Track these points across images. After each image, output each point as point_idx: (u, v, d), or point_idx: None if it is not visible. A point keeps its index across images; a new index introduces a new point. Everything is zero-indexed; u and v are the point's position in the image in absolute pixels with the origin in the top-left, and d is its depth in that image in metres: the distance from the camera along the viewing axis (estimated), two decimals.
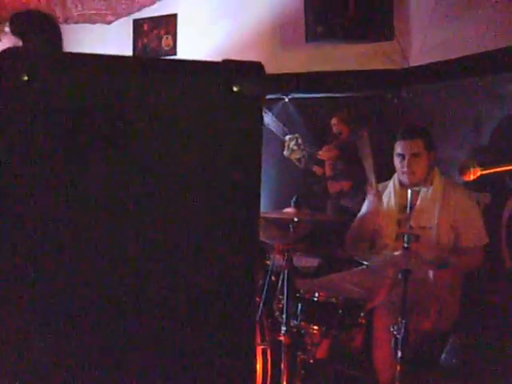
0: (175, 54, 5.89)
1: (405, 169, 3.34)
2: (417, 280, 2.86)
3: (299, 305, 3.01)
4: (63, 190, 0.91)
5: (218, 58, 0.96)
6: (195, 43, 5.70)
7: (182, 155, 0.93)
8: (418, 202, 3.30)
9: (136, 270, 0.94)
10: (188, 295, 0.97)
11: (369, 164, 3.38)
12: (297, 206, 3.03)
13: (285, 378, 2.90)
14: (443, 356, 2.88)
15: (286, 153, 4.68)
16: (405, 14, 4.59)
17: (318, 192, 4.82)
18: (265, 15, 5.23)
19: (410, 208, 2.74)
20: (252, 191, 0.95)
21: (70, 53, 0.94)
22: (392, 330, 2.65)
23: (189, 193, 0.94)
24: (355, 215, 3.70)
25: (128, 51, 6.07)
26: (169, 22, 5.93)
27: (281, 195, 4.83)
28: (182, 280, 0.96)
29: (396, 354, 2.64)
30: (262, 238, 3.11)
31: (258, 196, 0.96)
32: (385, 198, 3.50)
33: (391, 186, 3.49)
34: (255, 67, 0.94)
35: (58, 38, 2.07)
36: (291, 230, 3.01)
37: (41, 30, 2.04)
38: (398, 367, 2.63)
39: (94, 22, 6.27)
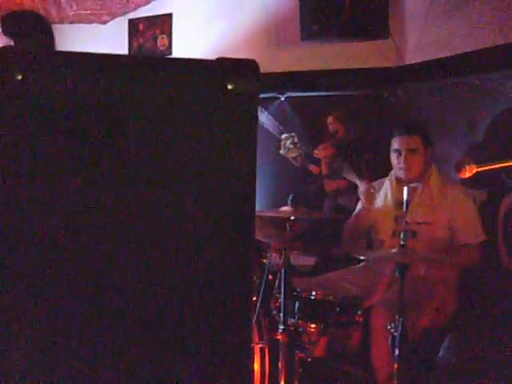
0: (171, 53, 5.88)
1: (401, 165, 3.34)
2: (414, 277, 2.86)
3: (296, 303, 3.01)
4: (57, 189, 0.91)
5: (213, 57, 0.95)
6: (191, 43, 5.69)
7: (177, 153, 0.93)
8: (415, 199, 3.30)
9: (132, 267, 0.94)
10: (184, 294, 0.97)
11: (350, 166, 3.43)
12: (293, 204, 3.03)
13: (283, 377, 2.90)
14: (440, 353, 2.89)
15: (282, 151, 4.67)
16: (400, 12, 4.59)
17: (314, 190, 4.82)
18: (260, 14, 5.22)
19: (407, 205, 2.74)
20: (247, 189, 0.95)
21: (64, 52, 0.94)
22: (389, 327, 2.65)
23: (184, 191, 0.94)
24: (352, 213, 3.70)
25: (123, 51, 6.06)
26: (164, 22, 5.93)
27: (277, 194, 4.83)
28: (178, 278, 0.96)
29: (393, 351, 2.64)
30: (259, 236, 3.11)
31: (254, 194, 0.96)
32: (381, 195, 3.50)
33: (388, 182, 3.50)
34: (250, 65, 0.94)
35: (49, 38, 2.07)
36: (288, 228, 3.01)
37: (33, 31, 2.04)
38: (396, 365, 2.64)
39: (89, 22, 6.26)
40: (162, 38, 5.96)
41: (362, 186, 3.48)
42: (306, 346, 2.98)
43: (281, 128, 4.84)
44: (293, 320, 2.99)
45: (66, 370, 0.95)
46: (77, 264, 0.93)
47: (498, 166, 2.76)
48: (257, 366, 2.99)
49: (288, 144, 4.63)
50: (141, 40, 6.08)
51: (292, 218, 3.00)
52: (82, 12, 6.02)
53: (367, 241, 3.55)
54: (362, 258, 3.11)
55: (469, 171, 2.77)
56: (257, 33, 5.21)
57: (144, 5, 5.98)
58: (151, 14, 5.99)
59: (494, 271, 3.50)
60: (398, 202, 3.31)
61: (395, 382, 2.65)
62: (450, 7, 4.14)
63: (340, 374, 3.06)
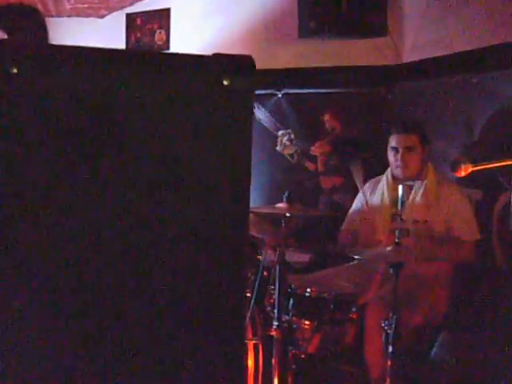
0: (168, 48, 5.87)
1: (398, 162, 3.35)
2: (408, 275, 2.87)
3: (291, 300, 3.02)
4: (54, 186, 0.90)
5: (211, 53, 0.95)
6: (189, 38, 5.68)
7: (172, 148, 0.93)
8: (411, 197, 3.31)
9: (126, 263, 0.94)
10: (177, 290, 0.97)
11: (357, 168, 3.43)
12: (289, 201, 3.03)
13: (276, 373, 2.91)
14: (433, 351, 2.89)
15: (278, 148, 4.67)
16: (398, 9, 4.59)
17: (310, 187, 4.82)
18: (258, 10, 5.22)
19: (402, 202, 2.74)
20: (242, 185, 0.95)
21: (60, 45, 0.94)
22: (383, 325, 2.66)
23: (178, 186, 0.94)
24: (347, 211, 3.71)
25: (121, 45, 6.04)
26: (162, 17, 5.91)
27: (273, 190, 4.83)
28: (171, 275, 0.96)
29: (387, 348, 2.65)
30: (254, 232, 3.11)
31: (248, 189, 0.96)
32: (378, 193, 3.51)
33: (384, 180, 3.50)
34: (245, 61, 0.94)
35: (43, 32, 2.05)
36: (283, 225, 3.01)
37: (26, 24, 2.02)
38: (389, 362, 2.65)
39: (86, 16, 6.24)
40: (160, 32, 5.94)
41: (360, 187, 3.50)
42: (300, 342, 2.99)
43: (277, 124, 4.83)
44: (287, 316, 2.99)
45: (62, 372, 0.95)
46: (74, 265, 0.93)
47: (493, 165, 2.76)
48: (251, 362, 3.00)
49: (284, 141, 4.63)
50: (138, 34, 6.06)
51: (287, 214, 3.00)
52: (79, 6, 6.00)
53: (363, 240, 3.55)
54: (356, 256, 3.12)
55: (464, 170, 2.77)
56: (255, 29, 5.20)
57: None
58: (149, 8, 5.98)
59: (488, 269, 3.51)
60: (394, 200, 3.32)
61: (388, 378, 2.66)
62: (448, 6, 4.14)
63: (334, 370, 3.07)
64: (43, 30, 2.06)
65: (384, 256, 2.86)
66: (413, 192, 3.33)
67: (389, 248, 2.76)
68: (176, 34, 5.86)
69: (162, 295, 0.97)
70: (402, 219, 2.72)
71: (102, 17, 6.28)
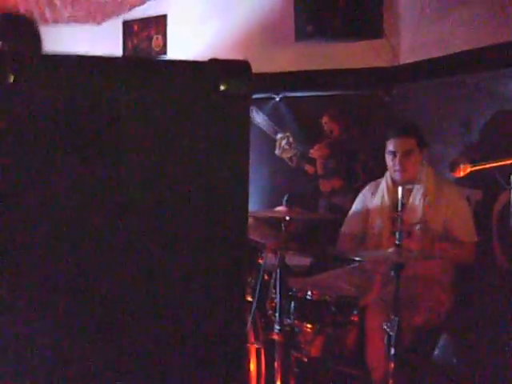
0: (165, 54, 5.88)
1: (396, 167, 3.35)
2: (409, 277, 2.87)
3: (292, 303, 3.01)
4: (50, 192, 0.90)
5: (207, 58, 0.96)
6: (185, 43, 5.69)
7: (169, 155, 0.93)
8: (411, 199, 3.31)
9: (123, 268, 0.94)
10: (177, 294, 0.97)
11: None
12: (288, 204, 3.04)
13: (279, 377, 2.91)
14: (435, 352, 2.89)
15: (277, 152, 4.68)
16: (394, 11, 4.60)
17: (309, 190, 4.82)
18: (255, 15, 5.23)
19: (402, 205, 2.74)
20: (240, 189, 0.95)
21: (57, 54, 0.94)
22: (385, 327, 2.66)
23: (176, 191, 0.94)
24: (347, 213, 3.71)
25: (118, 52, 6.06)
26: (159, 23, 5.93)
27: (272, 194, 4.84)
28: (170, 279, 0.96)
29: (389, 350, 2.64)
30: (254, 236, 3.11)
31: (246, 194, 0.96)
32: (378, 196, 3.51)
33: (383, 184, 3.50)
34: (242, 66, 0.94)
35: (38, 40, 2.05)
36: (283, 228, 3.01)
37: (20, 34, 2.02)
38: (392, 364, 2.64)
39: (83, 23, 6.26)
40: (157, 38, 5.96)
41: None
42: (302, 345, 2.98)
43: (276, 128, 4.84)
44: (289, 320, 2.99)
45: (61, 371, 0.95)
46: (71, 267, 0.93)
47: (491, 165, 2.77)
48: (253, 367, 3.00)
49: (283, 144, 4.63)
50: (135, 41, 6.08)
51: (287, 218, 3.01)
52: (76, 13, 6.02)
53: (365, 241, 3.55)
54: (357, 258, 3.12)
55: (463, 170, 2.78)
56: (251, 33, 5.21)
57: (139, 6, 5.98)
58: (146, 15, 5.99)
59: (488, 270, 3.51)
60: (394, 203, 3.32)
61: (391, 381, 2.65)
62: (444, 7, 4.15)
63: (336, 373, 3.06)
64: (38, 38, 2.06)
65: (385, 258, 2.86)
66: (412, 195, 3.33)
67: (389, 250, 2.76)
68: (173, 40, 5.87)
69: (162, 300, 0.97)
70: (402, 221, 2.72)
71: (99, 24, 6.29)
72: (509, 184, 2.89)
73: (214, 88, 0.92)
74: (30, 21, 2.08)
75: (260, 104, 5.06)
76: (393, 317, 2.63)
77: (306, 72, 4.98)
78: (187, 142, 0.93)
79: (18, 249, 0.90)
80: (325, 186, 4.68)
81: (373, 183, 3.63)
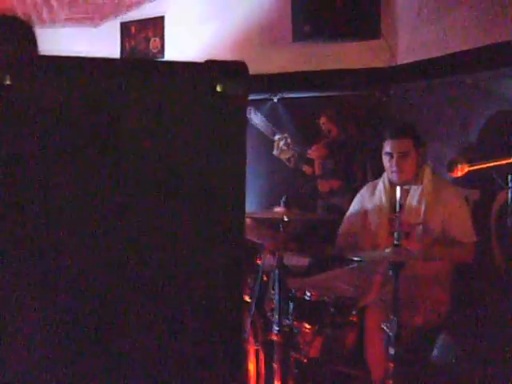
0: (163, 55, 5.88)
1: (394, 168, 3.35)
2: (408, 277, 2.87)
3: (291, 304, 3.02)
4: (48, 194, 0.90)
5: (205, 59, 0.96)
6: (183, 45, 5.69)
7: (166, 156, 0.93)
8: (408, 200, 3.31)
9: (120, 267, 0.94)
10: (174, 295, 0.97)
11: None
12: (286, 205, 3.04)
13: (278, 378, 2.91)
14: (434, 352, 2.89)
15: (275, 152, 4.67)
16: (392, 11, 4.60)
17: (307, 191, 4.82)
18: (252, 15, 5.23)
19: (400, 206, 2.74)
20: (237, 190, 0.95)
21: (54, 56, 0.94)
22: (384, 327, 2.66)
23: (173, 193, 0.94)
24: (345, 214, 3.71)
25: (116, 54, 6.05)
26: (156, 25, 5.93)
27: (271, 195, 4.84)
28: (168, 280, 0.96)
29: (388, 351, 2.65)
30: (253, 237, 3.12)
31: (243, 195, 0.96)
32: (375, 197, 3.51)
33: (381, 184, 3.50)
34: (239, 67, 0.94)
35: (32, 44, 2.04)
36: (281, 229, 3.01)
37: (15, 35, 2.01)
38: (391, 364, 2.64)
39: (81, 25, 6.25)
40: (155, 40, 5.96)
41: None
42: (301, 346, 2.98)
43: (274, 129, 4.84)
44: (287, 321, 2.99)
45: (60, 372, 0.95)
46: (71, 266, 0.93)
47: (489, 165, 2.77)
48: (252, 367, 3.00)
49: (281, 145, 4.63)
50: (133, 42, 6.08)
51: (285, 218, 3.01)
52: (74, 15, 6.02)
53: (362, 244, 3.55)
54: (356, 259, 3.12)
55: (460, 170, 2.78)
56: (249, 34, 5.21)
57: (136, 7, 5.98)
58: (143, 16, 5.99)
59: (487, 270, 3.51)
60: (392, 204, 3.32)
61: (391, 381, 2.66)
62: (441, 7, 4.15)
63: (335, 374, 3.06)
64: (32, 41, 2.05)
65: (384, 257, 2.86)
66: (409, 195, 3.33)
67: (388, 250, 2.76)
68: (170, 42, 5.87)
69: (159, 300, 0.97)
70: (400, 222, 2.72)
71: (97, 26, 6.29)
72: (507, 184, 2.90)
73: (210, 89, 0.92)
74: (24, 22, 2.07)
75: (258, 105, 5.07)
76: (392, 317, 2.63)
77: (303, 72, 4.98)
78: (183, 144, 0.93)
79: (17, 249, 0.90)
80: (323, 186, 4.68)
81: (370, 184, 3.63)
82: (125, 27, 6.13)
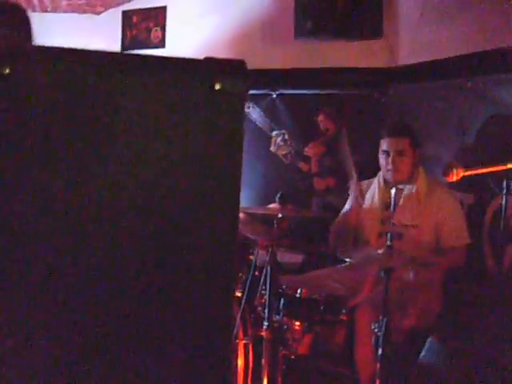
0: (164, 46, 5.87)
1: (389, 166, 3.35)
2: (399, 278, 2.88)
3: (282, 300, 3.02)
4: (43, 186, 0.91)
5: (206, 52, 0.96)
6: (184, 36, 5.68)
7: (164, 153, 0.93)
8: (402, 200, 3.31)
9: (114, 264, 0.95)
10: (165, 289, 0.97)
11: (349, 162, 3.41)
12: (281, 201, 3.04)
13: (266, 373, 2.91)
14: (422, 354, 2.90)
15: (272, 148, 4.67)
16: (394, 12, 4.61)
17: (303, 188, 4.83)
18: (254, 10, 5.22)
19: (394, 206, 2.75)
20: (232, 187, 0.96)
21: (53, 47, 0.94)
22: (373, 327, 2.67)
23: (169, 188, 0.94)
24: (340, 212, 3.72)
25: (116, 42, 6.04)
26: (158, 15, 5.91)
27: (266, 191, 4.84)
28: (159, 274, 0.97)
29: (377, 351, 2.66)
30: (246, 233, 3.12)
31: (238, 192, 0.96)
32: (369, 196, 3.51)
33: (376, 183, 3.51)
34: (238, 65, 0.94)
35: (27, 29, 2.01)
36: (275, 225, 3.01)
37: (8, 22, 1.98)
38: (379, 364, 2.65)
39: (82, 12, 6.23)
40: (156, 30, 5.94)
41: (354, 185, 3.48)
42: (290, 343, 2.99)
43: (272, 125, 4.84)
44: (277, 317, 3.00)
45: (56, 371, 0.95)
46: (71, 265, 0.93)
47: (484, 170, 2.78)
48: (240, 362, 3.00)
49: (278, 141, 4.63)
50: (134, 32, 6.06)
51: (280, 215, 3.01)
52: (75, 2, 6.00)
53: (353, 240, 3.56)
54: (347, 259, 3.13)
55: (456, 175, 2.79)
56: (250, 29, 5.21)
57: None
58: (145, 6, 5.97)
59: (479, 273, 3.53)
60: (385, 204, 3.33)
61: (378, 381, 2.67)
62: (444, 9, 4.15)
63: (323, 372, 3.07)
64: (27, 28, 2.02)
65: (376, 259, 2.86)
66: (403, 196, 3.33)
67: (380, 251, 2.77)
68: (172, 33, 5.86)
69: (151, 295, 0.97)
70: (393, 223, 2.73)
71: (98, 13, 6.27)
72: (500, 189, 2.91)
73: (209, 87, 0.92)
74: (17, 7, 2.04)
75: (256, 100, 5.06)
76: (381, 317, 2.64)
77: (303, 70, 4.98)
78: (181, 140, 0.94)
79: (14, 248, 0.90)
80: (319, 184, 4.68)
81: (365, 182, 3.63)
82: (126, 16, 6.11)
